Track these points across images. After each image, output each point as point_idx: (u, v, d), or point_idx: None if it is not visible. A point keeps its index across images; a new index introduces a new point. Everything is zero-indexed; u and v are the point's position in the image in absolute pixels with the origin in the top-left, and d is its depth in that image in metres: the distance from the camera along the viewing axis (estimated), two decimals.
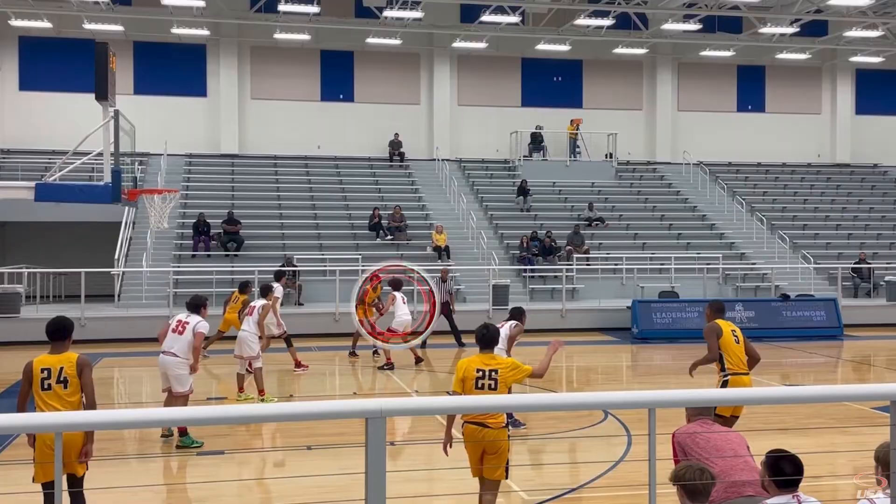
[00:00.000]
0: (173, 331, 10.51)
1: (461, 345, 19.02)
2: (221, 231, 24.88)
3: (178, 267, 23.21)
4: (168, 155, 28.55)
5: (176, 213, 24.81)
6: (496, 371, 6.92)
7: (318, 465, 9.63)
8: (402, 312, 16.27)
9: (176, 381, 10.41)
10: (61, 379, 6.74)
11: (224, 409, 3.83)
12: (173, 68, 30.39)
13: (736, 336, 8.76)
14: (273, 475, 9.79)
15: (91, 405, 6.79)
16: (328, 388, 15.62)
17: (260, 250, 24.81)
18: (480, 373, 6.94)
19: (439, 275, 19.87)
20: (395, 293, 16.53)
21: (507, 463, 6.99)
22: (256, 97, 31.00)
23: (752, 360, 8.78)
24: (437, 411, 5.21)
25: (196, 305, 10.72)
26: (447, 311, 19.41)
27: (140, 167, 26.07)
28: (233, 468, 9.93)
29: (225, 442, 10.67)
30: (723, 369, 8.68)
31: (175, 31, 28.73)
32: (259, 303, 13.81)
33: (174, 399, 10.47)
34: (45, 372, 6.76)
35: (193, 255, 24.34)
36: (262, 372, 13.13)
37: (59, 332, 6.94)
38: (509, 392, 7.18)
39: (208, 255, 24.35)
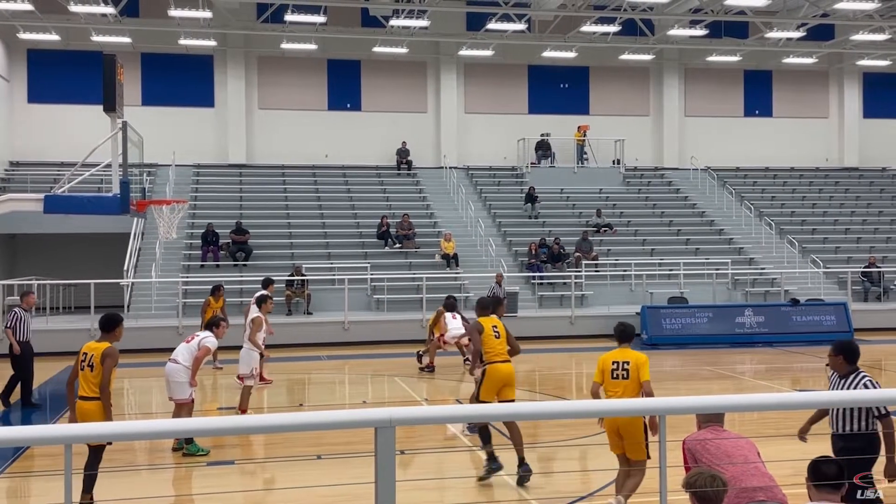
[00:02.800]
0: (185, 340, 10.85)
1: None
2: (230, 241, 24.94)
3: (188, 277, 23.27)
4: (176, 165, 28.66)
5: (185, 224, 24.86)
6: (628, 363, 7.86)
7: (327, 475, 9.62)
8: (453, 327, 16.67)
9: (176, 387, 10.63)
10: (90, 363, 7.96)
11: (233, 420, 3.84)
12: (181, 79, 30.52)
13: (497, 331, 9.53)
14: (282, 485, 9.78)
15: (102, 390, 7.86)
16: (337, 397, 15.60)
17: (269, 260, 24.85)
18: (615, 364, 7.89)
19: (494, 279, 20.02)
20: (446, 313, 17.08)
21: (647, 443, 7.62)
22: (264, 107, 31.10)
23: (514, 351, 9.56)
24: (447, 420, 5.21)
25: (210, 324, 11.07)
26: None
27: (149, 178, 26.18)
28: (242, 478, 9.93)
29: (234, 452, 10.67)
30: (482, 361, 9.40)
31: (182, 42, 28.86)
32: (252, 314, 13.44)
33: (178, 408, 10.65)
34: (84, 356, 8.09)
35: (202, 266, 24.39)
36: (249, 392, 12.56)
37: (105, 324, 8.21)
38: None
39: (217, 265, 24.40)
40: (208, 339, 10.71)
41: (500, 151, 32.02)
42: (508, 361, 9.41)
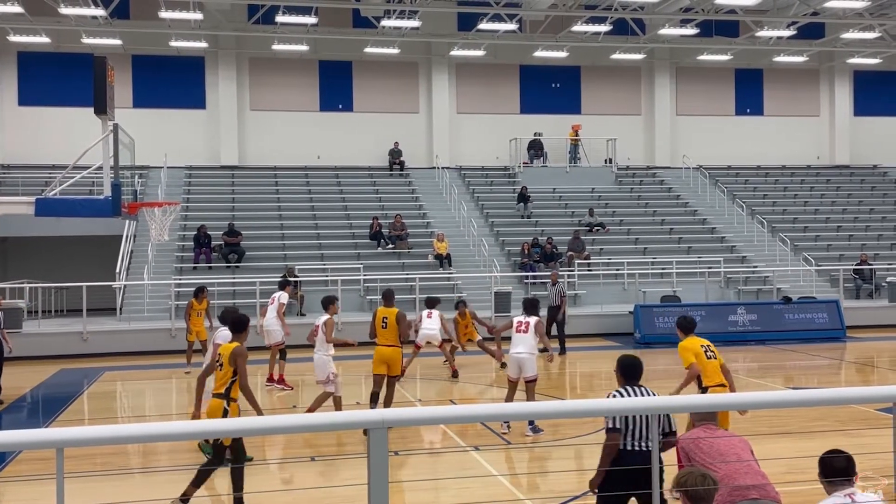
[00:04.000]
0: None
1: (563, 352, 19.08)
2: (222, 243, 24.89)
3: (180, 279, 23.21)
4: (168, 167, 28.59)
5: (176, 226, 24.82)
6: (710, 345, 8.96)
7: (321, 477, 9.61)
8: (425, 326, 16.35)
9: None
10: (220, 363, 8.50)
11: (226, 423, 3.83)
12: (172, 81, 30.45)
13: (386, 322, 11.89)
14: (276, 487, 9.76)
15: (243, 388, 8.36)
16: (331, 398, 15.54)
17: (261, 261, 24.81)
18: (704, 347, 8.83)
19: (549, 278, 20.04)
20: (422, 312, 16.83)
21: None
22: (256, 108, 31.05)
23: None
24: (439, 421, 5.20)
25: (224, 320, 10.98)
26: (557, 315, 19.41)
27: (140, 180, 26.12)
28: None
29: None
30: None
31: (173, 43, 28.80)
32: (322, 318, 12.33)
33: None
34: (219, 356, 8.63)
35: (195, 268, 24.34)
36: (324, 399, 11.94)
37: (235, 325, 8.66)
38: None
39: (209, 267, 24.35)
40: (221, 333, 10.47)
41: (492, 151, 32.03)
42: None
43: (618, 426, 6.12)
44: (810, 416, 11.62)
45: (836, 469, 4.84)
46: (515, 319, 11.76)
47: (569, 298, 23.43)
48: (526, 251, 25.57)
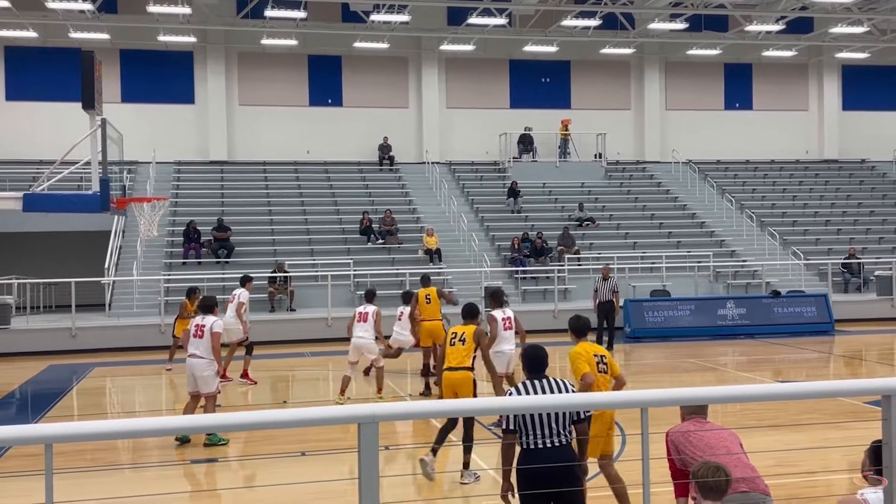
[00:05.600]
0: (194, 336, 10.96)
1: (610, 347, 19.00)
2: (212, 238, 24.82)
3: (169, 275, 23.14)
4: (157, 163, 28.48)
5: (166, 221, 24.74)
6: (607, 356, 7.75)
7: (312, 472, 9.60)
8: (396, 330, 14.76)
9: (203, 382, 10.89)
10: (461, 339, 9.21)
11: (216, 418, 3.82)
12: (160, 76, 30.30)
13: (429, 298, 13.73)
14: (267, 482, 9.76)
15: (489, 367, 9.62)
16: (321, 393, 15.58)
17: (251, 257, 24.76)
18: (598, 357, 7.59)
19: (601, 273, 19.82)
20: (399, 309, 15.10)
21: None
22: (245, 103, 30.94)
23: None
24: (429, 415, 5.21)
25: (208, 307, 11.25)
26: (609, 310, 19.17)
27: (129, 175, 26.00)
28: (227, 476, 9.90)
29: (218, 450, 10.63)
30: None
31: (161, 38, 28.67)
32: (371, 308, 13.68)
33: (206, 400, 10.90)
34: (454, 334, 9.30)
35: (184, 263, 24.27)
36: (383, 371, 13.68)
37: (467, 313, 9.53)
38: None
39: (199, 263, 24.28)
40: (216, 324, 10.96)
41: (482, 146, 32.02)
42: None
43: (512, 427, 5.85)
44: (799, 410, 11.68)
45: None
46: (493, 314, 11.64)
47: (559, 293, 23.52)
48: (516, 246, 25.59)
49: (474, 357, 9.28)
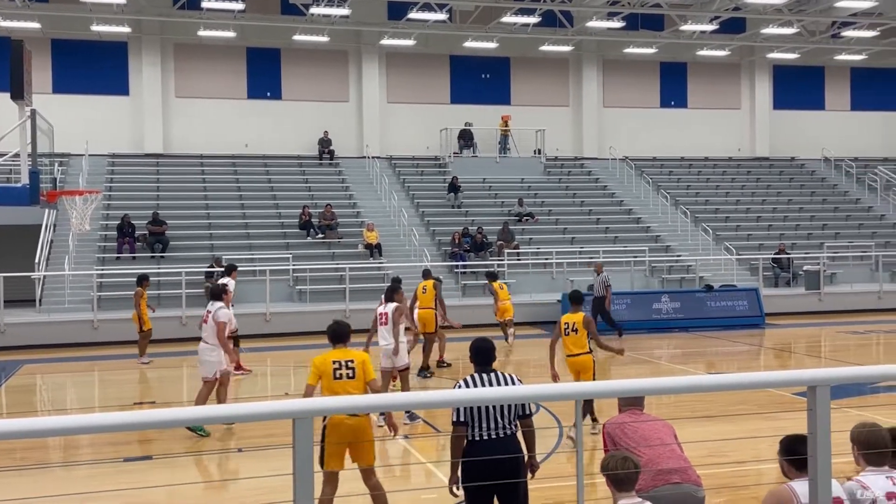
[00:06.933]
0: (203, 321, 11.31)
1: (621, 333, 19.73)
2: (146, 232, 24.37)
3: (102, 270, 22.66)
4: (90, 155, 27.80)
5: (99, 215, 24.21)
6: (353, 361, 7.33)
7: (249, 468, 9.52)
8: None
9: (202, 366, 11.24)
10: (574, 329, 9.55)
11: (150, 414, 3.75)
12: (94, 66, 29.58)
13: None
14: (203, 479, 9.64)
15: (602, 344, 10.47)
16: (259, 389, 15.43)
17: (187, 251, 24.37)
18: (337, 364, 7.31)
19: (594, 268, 20.12)
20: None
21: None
22: (181, 95, 30.40)
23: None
24: (365, 409, 5.20)
25: (216, 293, 11.55)
26: (601, 306, 19.50)
27: (60, 168, 25.34)
28: (161, 473, 9.74)
29: (153, 447, 10.47)
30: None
31: (95, 28, 27.99)
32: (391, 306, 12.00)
33: (203, 385, 11.15)
34: (566, 325, 9.58)
35: (118, 258, 23.79)
36: (408, 374, 12.05)
37: (574, 298, 10.26)
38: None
39: (133, 257, 23.83)
40: (220, 311, 11.09)
41: (422, 141, 32.01)
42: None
43: (462, 419, 5.88)
44: (730, 401, 11.96)
45: (877, 447, 4.69)
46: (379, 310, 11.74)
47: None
48: (456, 241, 25.67)
49: (589, 339, 10.34)
